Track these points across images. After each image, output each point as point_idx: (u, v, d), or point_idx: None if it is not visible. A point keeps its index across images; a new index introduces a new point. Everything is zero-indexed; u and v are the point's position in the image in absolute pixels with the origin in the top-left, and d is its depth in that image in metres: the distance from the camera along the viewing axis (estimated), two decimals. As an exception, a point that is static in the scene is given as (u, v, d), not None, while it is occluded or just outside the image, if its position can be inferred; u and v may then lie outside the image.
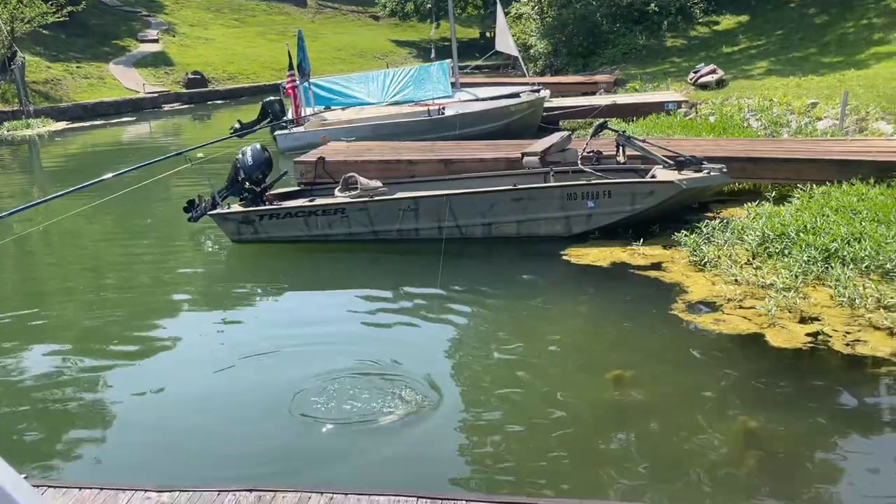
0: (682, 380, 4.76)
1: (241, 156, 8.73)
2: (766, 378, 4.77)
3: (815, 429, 4.03)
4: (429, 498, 2.53)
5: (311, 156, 10.26)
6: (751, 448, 3.83)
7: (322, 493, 2.56)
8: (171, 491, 2.58)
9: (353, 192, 8.30)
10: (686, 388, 4.65)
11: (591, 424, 4.14)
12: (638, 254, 7.15)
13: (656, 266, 6.84)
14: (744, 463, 3.72)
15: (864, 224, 6.73)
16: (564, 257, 7.29)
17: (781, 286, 5.82)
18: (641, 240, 7.31)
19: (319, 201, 8.44)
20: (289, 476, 3.13)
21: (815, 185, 8.07)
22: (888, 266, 5.92)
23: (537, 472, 3.57)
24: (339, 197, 8.37)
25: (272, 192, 8.92)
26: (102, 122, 23.07)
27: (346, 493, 2.56)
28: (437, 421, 4.15)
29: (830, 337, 5.03)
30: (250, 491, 2.56)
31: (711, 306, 5.77)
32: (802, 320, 5.33)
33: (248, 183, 8.59)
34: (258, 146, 8.84)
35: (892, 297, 5.45)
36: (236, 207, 8.53)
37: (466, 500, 2.52)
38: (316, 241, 8.22)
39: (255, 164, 8.64)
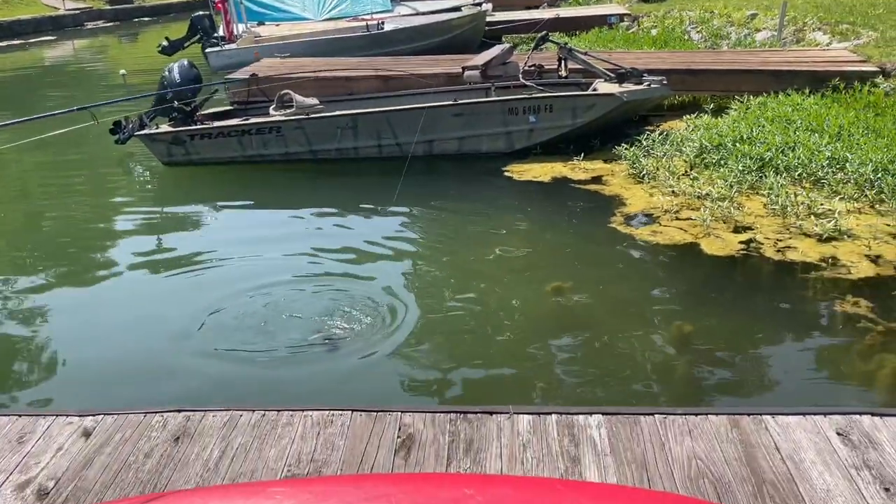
0: (620, 289, 4.83)
1: (167, 73, 8.30)
2: (700, 285, 4.88)
3: (746, 330, 4.15)
4: (364, 411, 2.51)
5: (243, 73, 9.83)
6: (686, 351, 3.93)
7: (253, 410, 2.52)
8: (94, 415, 2.50)
9: (289, 111, 8.02)
10: (624, 297, 4.73)
11: (533, 335, 4.18)
12: (579, 168, 7.15)
13: (597, 180, 6.86)
14: (679, 365, 3.82)
15: (797, 133, 6.84)
16: (506, 174, 7.24)
17: (717, 196, 5.90)
18: (582, 154, 7.30)
19: (254, 120, 8.14)
20: (221, 397, 3.09)
21: (752, 96, 8.14)
22: (819, 174, 6.05)
23: (479, 383, 3.59)
24: (274, 115, 8.08)
25: (203, 111, 8.55)
26: (20, 41, 21.65)
27: (279, 410, 2.52)
28: (378, 336, 4.12)
29: (762, 244, 5.16)
30: (178, 412, 2.50)
31: (649, 218, 5.83)
32: (736, 229, 5.43)
33: (176, 102, 8.20)
34: (185, 62, 8.41)
35: (822, 205, 5.59)
36: (165, 128, 8.16)
37: (402, 412, 2.51)
38: (252, 161, 7.96)
39: (184, 81, 8.24)
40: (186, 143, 8.01)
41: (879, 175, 5.84)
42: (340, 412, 2.52)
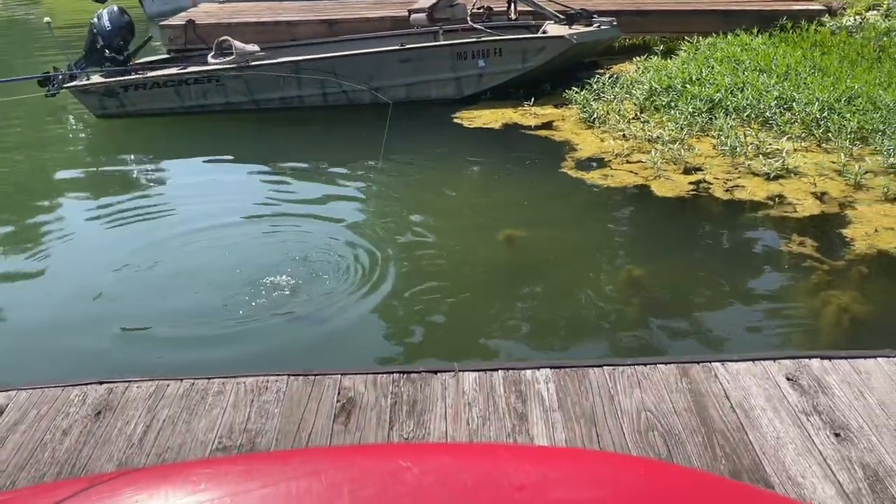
0: (571, 235, 4.76)
1: (96, 20, 7.81)
2: (651, 227, 4.84)
3: (695, 273, 4.12)
4: (301, 375, 2.38)
5: (179, 19, 9.34)
6: (635, 298, 3.88)
7: (181, 379, 2.37)
8: (6, 391, 2.32)
9: (228, 58, 7.64)
10: (575, 243, 4.65)
11: (483, 287, 4.07)
12: (529, 114, 7.00)
13: (548, 125, 6.73)
14: (629, 312, 3.77)
15: (746, 74, 6.78)
16: (456, 120, 7.06)
17: (667, 139, 5.83)
18: (533, 99, 7.15)
19: (192, 69, 7.74)
20: (147, 367, 2.91)
21: (701, 37, 8.04)
22: (768, 114, 6.02)
23: (425, 341, 3.47)
24: (213, 63, 7.70)
25: (137, 60, 8.11)
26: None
27: (210, 378, 2.38)
28: (317, 296, 3.88)
29: (712, 185, 5.12)
30: (99, 384, 2.34)
31: (600, 162, 5.74)
32: (686, 171, 5.38)
33: (108, 51, 7.75)
34: (115, 8, 7.93)
35: (770, 144, 5.56)
36: (97, 78, 7.73)
37: (342, 374, 2.39)
38: (191, 112, 7.60)
39: (115, 28, 7.78)
40: (120, 95, 7.61)
41: (825, 114, 5.83)
42: (276, 377, 2.39)
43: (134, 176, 6.55)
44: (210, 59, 7.77)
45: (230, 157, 6.66)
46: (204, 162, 6.67)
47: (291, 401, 2.28)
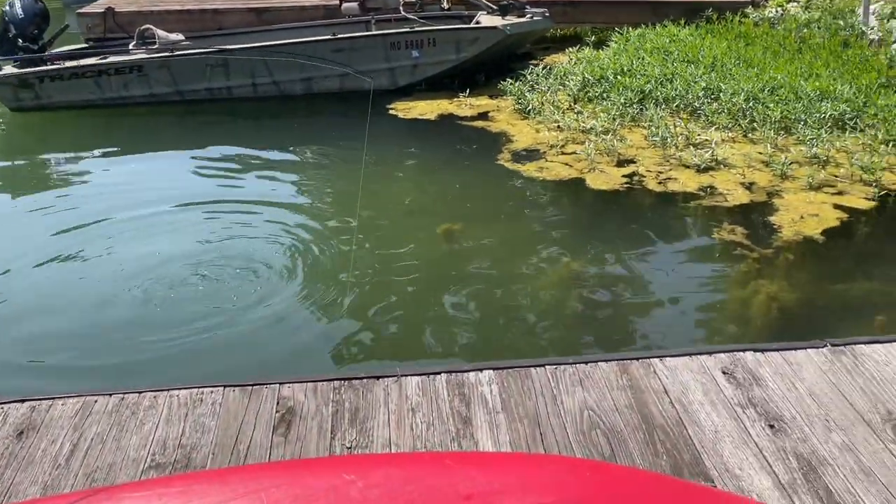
0: (509, 229, 4.76)
1: (8, 8, 7.40)
2: (587, 220, 4.89)
3: (631, 267, 4.18)
4: (238, 386, 2.30)
5: (98, 6, 8.93)
6: (574, 293, 3.92)
7: (110, 394, 2.26)
8: (-82, 414, 2.17)
9: (151, 48, 7.35)
10: (513, 236, 4.66)
11: (422, 286, 4.02)
12: (465, 105, 6.98)
13: (483, 116, 6.73)
14: (568, 308, 3.80)
15: (675, 65, 6.93)
16: (391, 112, 6.98)
17: (601, 129, 5.90)
18: (468, 90, 7.13)
19: (112, 59, 7.41)
20: (73, 383, 2.75)
21: (631, 28, 8.17)
22: (696, 104, 6.16)
23: (366, 346, 3.36)
24: (135, 53, 7.39)
25: (53, 49, 7.72)
26: None
27: (140, 392, 2.28)
28: (252, 302, 3.71)
29: (645, 177, 5.20)
30: (21, 402, 2.20)
31: (536, 154, 5.77)
32: (620, 163, 5.46)
33: (21, 40, 7.34)
34: (29, -6, 7.51)
35: (699, 135, 5.69)
36: (10, 69, 7.32)
37: (281, 384, 2.32)
38: (112, 105, 7.30)
39: (28, 16, 7.38)
40: (35, 87, 7.24)
41: (751, 104, 6.00)
42: (211, 389, 2.30)
43: (50, 172, 6.24)
44: (131, 49, 7.47)
45: (154, 152, 6.43)
46: (125, 157, 6.42)
47: (228, 413, 2.20)
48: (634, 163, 5.44)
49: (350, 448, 2.09)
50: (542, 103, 6.65)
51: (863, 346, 2.53)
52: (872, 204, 4.79)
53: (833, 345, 2.54)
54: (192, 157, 6.17)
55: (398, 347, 3.32)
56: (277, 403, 2.25)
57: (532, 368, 2.43)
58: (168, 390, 2.29)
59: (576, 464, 1.73)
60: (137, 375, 2.84)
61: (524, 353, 3.23)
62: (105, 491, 1.28)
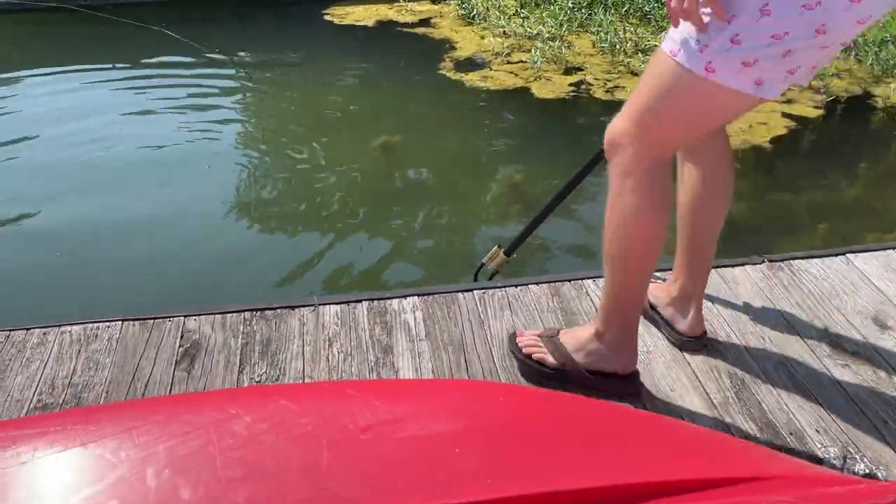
0: (450, 140, 4.55)
1: None
2: (531, 130, 4.71)
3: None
4: (137, 320, 2.12)
5: None
6: (517, 200, 3.77)
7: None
8: None
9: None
10: (455, 148, 4.46)
11: (354, 205, 3.81)
12: (405, 10, 6.60)
13: (425, 23, 6.38)
14: (508, 223, 3.66)
15: (627, -34, 6.61)
16: (326, 17, 6.57)
17: (547, 36, 5.64)
18: (409, -7, 6.74)
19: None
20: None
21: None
22: (646, 8, 5.91)
23: (284, 273, 3.14)
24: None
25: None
26: None
27: (28, 328, 2.08)
28: (157, 225, 3.45)
29: (592, 85, 5.01)
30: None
31: (480, 63, 5.50)
32: (567, 71, 5.24)
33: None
34: None
35: (648, 41, 5.48)
36: None
37: (186, 316, 2.15)
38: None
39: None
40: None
41: (704, 8, 5.78)
42: (107, 324, 2.10)
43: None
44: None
45: (69, 63, 5.94)
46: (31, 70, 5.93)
47: (126, 349, 2.02)
48: (582, 70, 5.23)
49: (259, 382, 1.95)
50: (488, 8, 6.33)
51: (800, 261, 2.44)
52: (820, 112, 4.70)
53: (770, 260, 2.45)
54: (103, 70, 5.71)
55: (318, 274, 3.14)
56: (181, 337, 2.07)
57: (459, 293, 2.29)
58: (59, 326, 2.09)
59: (489, 388, 1.62)
60: (24, 311, 2.61)
61: (457, 276, 3.08)
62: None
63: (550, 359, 1.94)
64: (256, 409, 1.08)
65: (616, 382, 1.90)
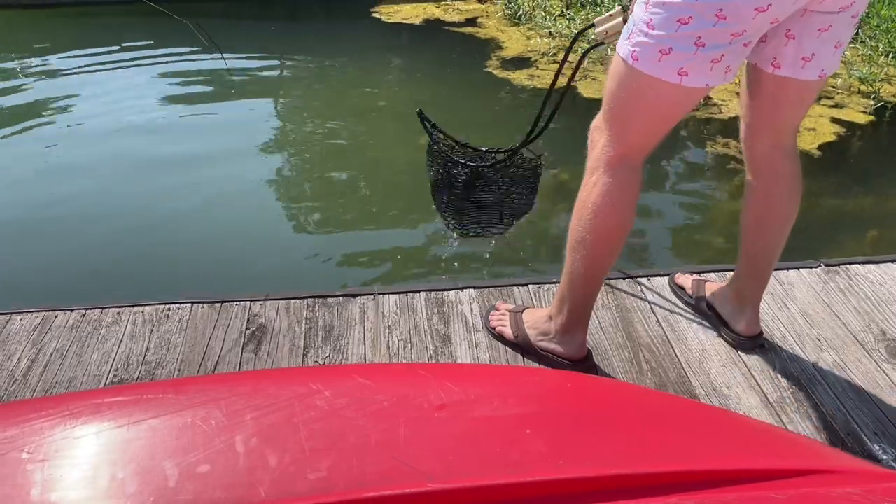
0: (496, 138, 4.55)
1: None
2: (579, 130, 4.71)
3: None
4: (206, 302, 2.20)
5: None
6: (562, 202, 3.79)
7: (71, 310, 2.15)
8: None
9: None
10: (501, 144, 4.49)
11: (407, 195, 3.87)
12: (452, 9, 6.66)
13: (471, 22, 6.42)
14: (555, 220, 3.68)
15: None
16: (374, 15, 6.65)
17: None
18: (455, -8, 6.79)
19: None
20: (32, 298, 2.60)
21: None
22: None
23: (344, 264, 3.20)
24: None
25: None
26: None
27: (104, 308, 2.17)
28: (223, 215, 3.54)
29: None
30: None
31: (526, 62, 5.53)
32: (613, 72, 5.24)
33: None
34: None
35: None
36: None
37: (252, 301, 2.22)
38: (83, 3, 6.89)
39: None
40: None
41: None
42: (178, 306, 2.19)
43: (17, 76, 5.93)
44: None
45: (128, 53, 6.09)
46: (99, 60, 6.09)
47: (196, 330, 2.10)
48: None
49: (323, 364, 2.01)
50: (534, 9, 6.35)
51: (858, 266, 2.44)
52: (870, 118, 4.65)
53: (827, 265, 2.45)
54: (163, 63, 5.86)
55: (376, 266, 3.20)
56: (248, 321, 2.15)
57: (515, 287, 2.33)
58: (132, 306, 2.18)
59: (556, 375, 1.66)
60: (99, 293, 2.71)
61: (509, 271, 3.13)
62: (55, 399, 1.18)
63: (508, 331, 2.05)
64: (336, 385, 1.13)
65: (564, 365, 1.95)
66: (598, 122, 1.71)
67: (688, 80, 1.48)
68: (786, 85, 1.67)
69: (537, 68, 5.38)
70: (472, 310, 2.22)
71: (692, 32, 1.42)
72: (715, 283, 2.21)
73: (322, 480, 0.91)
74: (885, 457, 1.76)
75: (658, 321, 2.20)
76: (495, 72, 5.39)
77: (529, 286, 2.33)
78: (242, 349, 2.05)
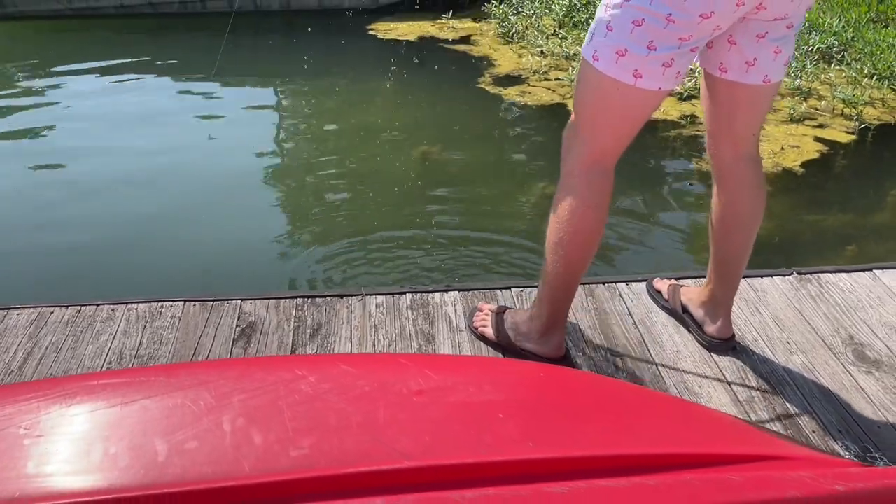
0: (487, 152, 4.69)
1: None
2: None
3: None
4: (198, 301, 2.27)
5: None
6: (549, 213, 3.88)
7: (67, 306, 2.22)
8: None
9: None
10: (491, 160, 4.60)
11: (396, 204, 3.96)
12: (447, 27, 6.79)
13: (465, 40, 6.56)
14: (543, 228, 3.76)
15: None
16: (371, 32, 6.79)
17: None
18: (451, 12, 6.93)
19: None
20: (28, 294, 2.70)
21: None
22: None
23: (333, 266, 3.30)
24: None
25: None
26: None
27: (98, 304, 2.24)
28: (217, 217, 3.66)
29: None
30: (-29, 312, 2.16)
31: (518, 79, 5.65)
32: (602, 89, 5.36)
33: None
34: None
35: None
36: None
37: (242, 300, 2.29)
38: (82, 16, 7.01)
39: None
40: (-1, -5, 6.94)
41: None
42: (171, 303, 2.26)
43: (17, 86, 6.03)
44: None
45: (127, 67, 6.21)
46: (98, 72, 6.20)
47: (187, 326, 2.17)
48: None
49: (310, 362, 2.08)
50: (527, 28, 6.49)
51: (829, 274, 2.53)
52: (853, 137, 4.76)
53: (800, 273, 2.54)
54: (167, 73, 5.97)
55: (364, 269, 3.29)
56: (238, 318, 2.22)
57: (498, 290, 2.41)
58: (126, 303, 2.25)
59: (531, 366, 1.73)
60: (94, 290, 2.79)
61: (493, 277, 3.21)
62: (51, 381, 1.25)
63: (490, 332, 2.12)
64: (320, 372, 1.21)
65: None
66: (569, 123, 1.80)
67: (642, 82, 1.57)
68: (735, 89, 1.76)
69: (529, 85, 5.50)
70: (455, 311, 2.29)
71: (645, 34, 1.51)
72: (691, 287, 2.29)
73: (304, 457, 0.98)
74: (846, 453, 1.84)
75: (635, 324, 2.28)
76: (488, 88, 5.50)
77: (512, 289, 2.41)
78: (232, 345, 2.12)
